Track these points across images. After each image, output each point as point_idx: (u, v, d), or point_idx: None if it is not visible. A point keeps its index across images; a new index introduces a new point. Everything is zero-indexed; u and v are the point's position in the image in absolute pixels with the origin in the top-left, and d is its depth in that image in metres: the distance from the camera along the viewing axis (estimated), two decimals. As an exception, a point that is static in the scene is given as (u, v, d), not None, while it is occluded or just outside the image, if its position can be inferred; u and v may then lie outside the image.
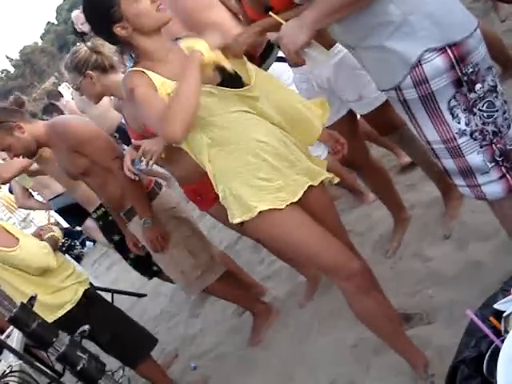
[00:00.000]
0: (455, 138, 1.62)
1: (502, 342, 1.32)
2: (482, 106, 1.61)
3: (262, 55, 2.67)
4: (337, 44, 2.35)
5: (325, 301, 2.79)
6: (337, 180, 2.02)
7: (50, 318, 2.61)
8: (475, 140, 1.62)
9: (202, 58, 1.66)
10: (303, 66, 2.45)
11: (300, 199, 1.84)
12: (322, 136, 2.02)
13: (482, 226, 2.45)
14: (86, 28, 1.89)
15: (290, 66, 2.57)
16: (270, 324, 2.98)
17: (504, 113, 1.65)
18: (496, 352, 1.31)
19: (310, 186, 1.86)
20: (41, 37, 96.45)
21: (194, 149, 1.82)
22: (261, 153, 1.77)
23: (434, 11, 1.55)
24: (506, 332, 1.37)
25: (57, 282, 2.79)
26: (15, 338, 2.26)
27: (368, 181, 2.91)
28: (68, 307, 2.76)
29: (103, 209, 3.35)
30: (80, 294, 2.80)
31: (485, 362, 1.37)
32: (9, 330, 2.49)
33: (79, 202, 3.68)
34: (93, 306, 2.82)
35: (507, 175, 1.65)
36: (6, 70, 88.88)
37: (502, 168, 1.65)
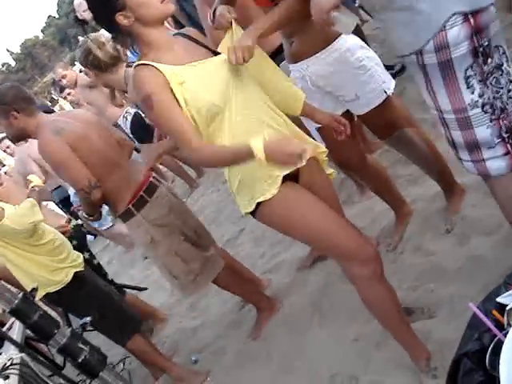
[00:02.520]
0: (467, 109, 1.64)
1: (505, 335, 1.31)
2: (492, 81, 1.64)
3: (276, 50, 2.68)
4: (334, 42, 2.33)
5: (325, 295, 2.79)
6: (333, 176, 2.04)
7: (40, 294, 2.96)
8: (486, 113, 1.64)
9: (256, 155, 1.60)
10: (300, 62, 2.41)
11: (303, 183, 1.88)
12: (324, 118, 2.05)
13: (483, 221, 2.45)
14: (87, 16, 1.85)
15: (288, 63, 2.53)
16: (272, 318, 2.98)
17: (509, 91, 1.66)
18: (499, 346, 1.31)
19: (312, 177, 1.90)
20: (42, 30, 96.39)
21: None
22: (263, 117, 1.81)
23: None
24: (509, 325, 1.37)
25: (55, 263, 3.07)
26: (16, 330, 2.27)
27: (366, 181, 2.90)
28: (58, 287, 3.04)
29: None
30: (70, 276, 3.06)
31: (487, 355, 1.36)
32: (10, 323, 2.50)
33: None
34: (80, 288, 3.06)
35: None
36: (7, 63, 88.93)
37: (508, 145, 1.67)
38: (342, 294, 2.58)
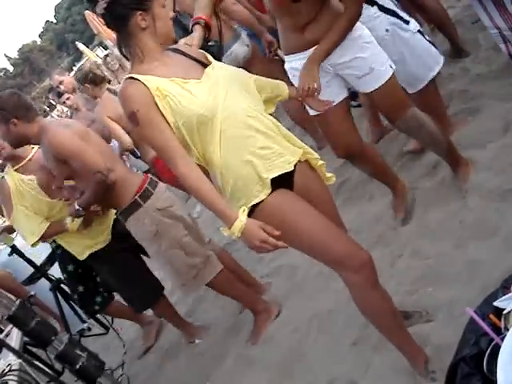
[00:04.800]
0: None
1: (502, 339, 1.32)
2: None
3: None
4: None
5: (324, 299, 2.78)
6: (333, 180, 2.04)
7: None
8: None
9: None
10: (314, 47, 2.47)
11: (298, 191, 1.89)
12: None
13: (480, 224, 2.45)
14: None
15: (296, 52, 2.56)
16: (271, 322, 2.97)
17: None
18: (496, 350, 1.31)
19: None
20: (39, 35, 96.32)
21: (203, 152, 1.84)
22: (250, 122, 1.82)
23: None
24: (506, 330, 1.38)
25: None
26: (14, 336, 2.27)
27: (363, 167, 2.93)
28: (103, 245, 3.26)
29: None
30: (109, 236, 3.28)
31: (485, 359, 1.37)
32: (8, 329, 2.50)
33: None
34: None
35: None
36: (4, 68, 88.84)
37: None
38: (339, 299, 2.58)
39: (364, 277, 1.85)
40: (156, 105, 1.75)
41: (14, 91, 2.98)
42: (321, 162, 2.01)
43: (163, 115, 1.76)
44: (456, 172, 2.80)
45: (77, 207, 2.91)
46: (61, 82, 5.82)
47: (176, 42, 2.07)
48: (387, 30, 2.83)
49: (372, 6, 2.79)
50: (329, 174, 2.05)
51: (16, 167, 3.42)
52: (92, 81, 4.66)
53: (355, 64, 2.51)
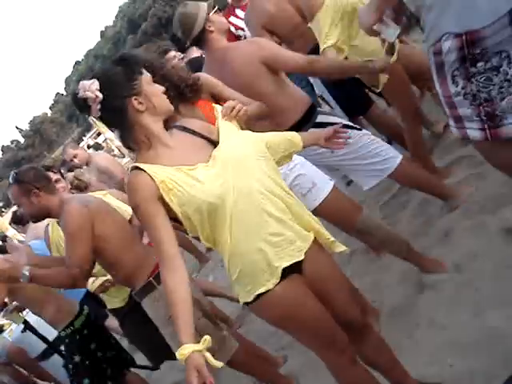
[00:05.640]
0: (451, 96, 2.07)
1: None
2: (480, 79, 2.00)
3: (303, 119, 2.84)
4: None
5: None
6: (345, 251, 2.06)
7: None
8: (466, 100, 2.05)
9: None
10: None
11: (306, 274, 1.90)
12: (322, 132, 2.23)
13: (497, 293, 2.43)
14: (90, 95, 1.81)
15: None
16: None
17: (501, 88, 2.00)
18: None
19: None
20: (50, 107, 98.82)
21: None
22: (263, 205, 1.81)
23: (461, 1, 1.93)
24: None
25: None
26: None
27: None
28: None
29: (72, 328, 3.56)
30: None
31: None
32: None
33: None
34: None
35: (487, 130, 2.05)
36: (16, 140, 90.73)
37: (485, 125, 2.05)
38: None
39: (347, 357, 1.95)
40: (161, 198, 1.76)
41: (31, 165, 3.01)
42: (331, 240, 2.02)
43: (169, 207, 1.77)
44: (422, 267, 2.86)
45: (26, 273, 2.65)
46: (75, 156, 5.93)
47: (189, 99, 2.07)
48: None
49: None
50: (341, 248, 2.04)
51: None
52: (77, 187, 4.73)
53: (297, 182, 2.59)
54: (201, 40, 2.86)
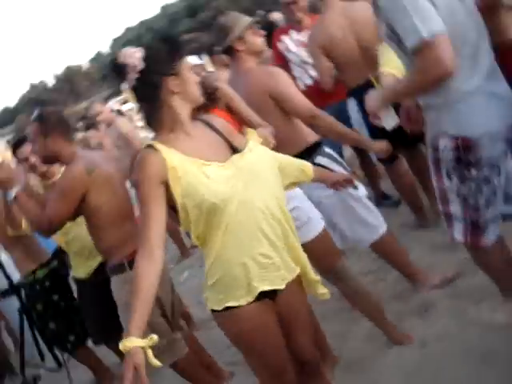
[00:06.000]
0: (446, 191, 2.22)
1: None
2: (472, 185, 2.15)
3: (309, 150, 2.87)
4: None
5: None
6: (326, 296, 2.05)
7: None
8: (458, 198, 2.20)
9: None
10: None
11: (278, 303, 1.90)
12: (336, 175, 2.35)
13: (458, 377, 2.41)
14: (132, 62, 1.80)
15: None
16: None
17: (488, 199, 2.16)
18: None
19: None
20: (90, 61, 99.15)
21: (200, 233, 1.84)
22: (261, 224, 1.80)
23: (462, 108, 2.09)
24: None
25: None
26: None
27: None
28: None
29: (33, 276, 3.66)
30: None
31: None
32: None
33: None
34: None
35: (468, 236, 2.24)
36: (45, 81, 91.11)
37: (468, 231, 2.23)
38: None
39: None
40: (165, 183, 1.76)
41: (57, 109, 3.03)
42: (316, 279, 2.03)
43: (171, 194, 1.76)
44: (388, 336, 2.84)
45: (14, 191, 2.85)
46: (100, 112, 5.94)
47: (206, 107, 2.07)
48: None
49: None
50: (323, 290, 2.05)
51: (47, 183, 3.55)
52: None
53: (294, 214, 2.58)
54: (229, 53, 2.92)
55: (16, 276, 4.00)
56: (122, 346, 1.61)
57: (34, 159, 3.50)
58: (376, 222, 3.06)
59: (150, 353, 1.62)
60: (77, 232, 3.43)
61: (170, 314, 2.89)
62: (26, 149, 3.54)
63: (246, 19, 2.91)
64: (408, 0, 1.96)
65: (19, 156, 3.62)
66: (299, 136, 2.89)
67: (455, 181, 2.17)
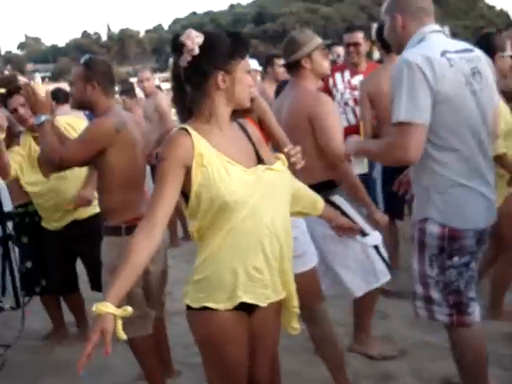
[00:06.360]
0: (426, 277, 2.32)
1: None
2: (453, 272, 2.27)
3: (328, 184, 2.87)
4: None
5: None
6: (296, 332, 2.05)
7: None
8: (438, 286, 2.30)
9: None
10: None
11: (252, 321, 1.89)
12: (346, 222, 2.32)
13: None
14: (191, 45, 1.78)
15: None
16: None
17: (467, 282, 2.29)
18: None
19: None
20: (146, 31, 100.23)
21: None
22: (263, 239, 1.80)
23: (453, 199, 2.24)
24: None
25: None
26: None
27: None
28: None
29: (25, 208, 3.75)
30: None
31: None
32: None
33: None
34: None
35: (454, 316, 2.31)
36: (98, 33, 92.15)
37: (453, 311, 2.31)
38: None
39: None
40: (187, 167, 1.75)
41: (107, 61, 3.02)
42: (296, 311, 2.01)
43: (189, 180, 1.76)
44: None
45: (44, 117, 2.79)
46: (147, 79, 5.94)
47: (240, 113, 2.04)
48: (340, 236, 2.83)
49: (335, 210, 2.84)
50: (296, 325, 2.04)
51: (34, 135, 3.57)
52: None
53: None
54: (293, 68, 2.94)
55: (8, 205, 4.04)
56: (95, 308, 1.61)
57: (22, 111, 3.51)
58: (361, 283, 3.00)
59: (119, 324, 1.62)
60: (56, 186, 3.54)
61: (152, 291, 2.89)
62: (16, 100, 3.53)
63: (319, 40, 2.95)
64: (408, 84, 2.14)
65: (9, 107, 3.60)
66: (322, 167, 2.87)
67: (436, 270, 2.29)
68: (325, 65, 2.95)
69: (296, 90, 2.93)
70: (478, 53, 2.35)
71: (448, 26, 5.72)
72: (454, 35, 10.00)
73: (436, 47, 2.23)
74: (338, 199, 2.90)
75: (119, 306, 1.64)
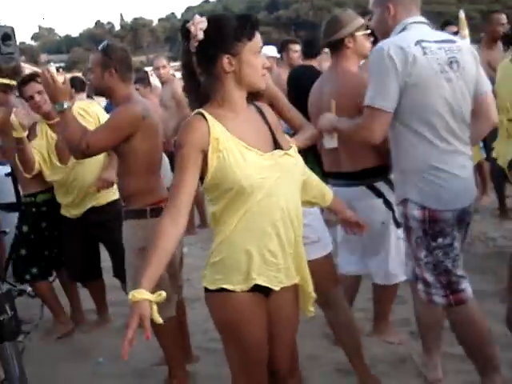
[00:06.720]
0: (420, 260, 2.43)
1: None
2: (439, 253, 2.37)
3: (376, 170, 2.89)
4: None
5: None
6: (312, 314, 2.05)
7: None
8: (429, 268, 2.40)
9: None
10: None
11: (269, 304, 1.89)
12: (353, 215, 2.24)
13: None
14: (196, 32, 1.78)
15: None
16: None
17: (454, 261, 2.38)
18: None
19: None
20: (159, 20, 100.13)
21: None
22: (278, 223, 1.80)
23: (427, 182, 2.35)
24: None
25: None
26: None
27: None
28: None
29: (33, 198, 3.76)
30: None
31: None
32: None
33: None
34: None
35: (450, 296, 2.40)
36: (112, 23, 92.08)
37: (447, 291, 2.40)
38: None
39: None
40: (204, 152, 1.75)
41: (125, 48, 3.02)
42: (312, 295, 2.01)
43: (206, 164, 1.76)
44: (361, 379, 2.78)
45: (66, 104, 2.71)
46: (163, 67, 5.93)
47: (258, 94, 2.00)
48: (383, 223, 2.94)
49: (379, 197, 2.91)
50: (311, 308, 2.04)
51: (49, 122, 3.61)
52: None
53: (304, 231, 2.54)
54: (335, 47, 2.92)
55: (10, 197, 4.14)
56: (131, 295, 1.64)
57: (38, 98, 3.52)
58: (398, 270, 3.00)
59: (155, 308, 1.65)
60: (75, 171, 3.58)
61: (175, 274, 2.94)
62: (32, 88, 3.54)
63: (361, 20, 2.93)
64: (378, 72, 2.33)
65: (24, 94, 3.60)
66: (371, 152, 2.83)
67: (424, 252, 2.39)
68: (367, 45, 2.94)
69: (343, 75, 2.89)
70: (461, 44, 2.45)
71: (463, 9, 5.62)
72: (470, 19, 9.85)
73: (412, 37, 2.33)
74: (382, 186, 2.89)
75: (153, 291, 1.66)
